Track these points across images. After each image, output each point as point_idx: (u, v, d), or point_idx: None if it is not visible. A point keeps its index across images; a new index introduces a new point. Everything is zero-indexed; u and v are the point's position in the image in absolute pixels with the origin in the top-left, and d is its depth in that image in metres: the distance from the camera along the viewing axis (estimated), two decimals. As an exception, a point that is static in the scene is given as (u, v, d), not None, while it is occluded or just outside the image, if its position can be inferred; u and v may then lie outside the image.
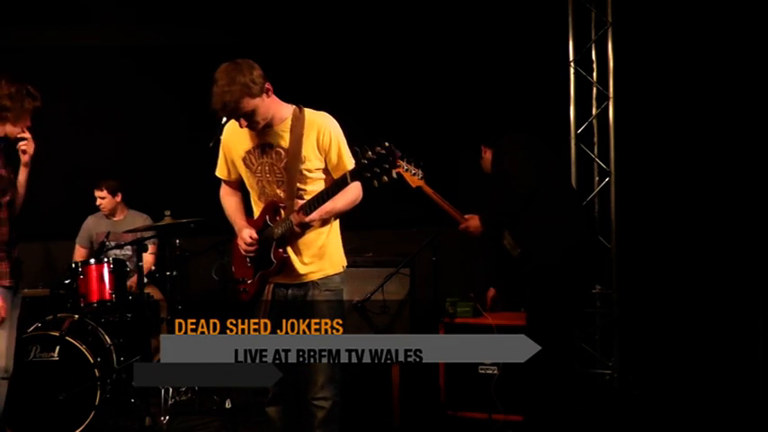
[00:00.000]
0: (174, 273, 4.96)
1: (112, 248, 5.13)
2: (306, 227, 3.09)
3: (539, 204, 4.09)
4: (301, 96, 3.26)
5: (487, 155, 4.46)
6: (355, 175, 2.87)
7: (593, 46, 5.41)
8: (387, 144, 2.77)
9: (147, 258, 5.42)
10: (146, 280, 5.16)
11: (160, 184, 5.79)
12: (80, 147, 5.81)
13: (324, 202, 3.03)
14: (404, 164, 3.88)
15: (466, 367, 4.49)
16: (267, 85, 3.04)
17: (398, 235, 5.48)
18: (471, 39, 5.94)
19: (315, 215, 3.06)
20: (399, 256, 4.73)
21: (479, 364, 4.48)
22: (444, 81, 6.03)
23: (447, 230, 4.52)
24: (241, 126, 3.06)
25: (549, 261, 4.07)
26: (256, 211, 3.29)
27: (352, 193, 3.15)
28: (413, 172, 4.08)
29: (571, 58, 5.40)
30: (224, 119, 4.26)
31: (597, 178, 5.47)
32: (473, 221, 4.33)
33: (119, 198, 5.51)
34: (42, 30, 5.77)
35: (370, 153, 2.78)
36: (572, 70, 5.40)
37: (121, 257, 5.13)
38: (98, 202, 5.46)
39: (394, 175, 2.78)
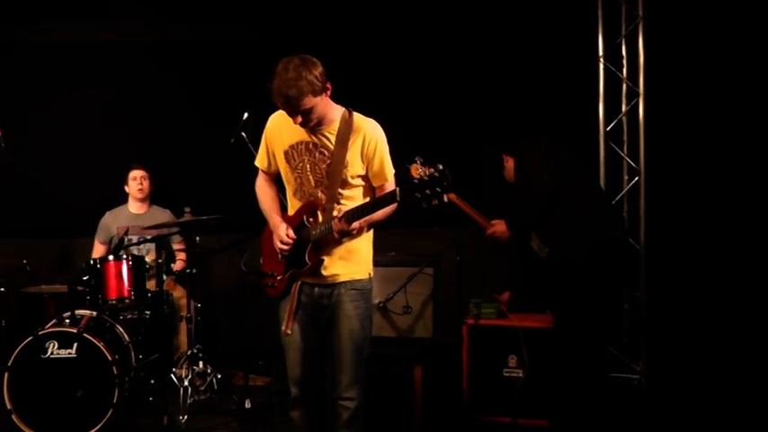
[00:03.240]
0: (194, 270, 4.96)
1: (132, 244, 5.08)
2: (346, 235, 3.12)
3: (564, 204, 4.14)
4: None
5: (510, 163, 4.51)
6: (405, 193, 2.87)
7: (624, 41, 5.33)
8: (441, 167, 2.77)
9: (181, 255, 5.47)
10: (167, 277, 5.17)
11: (180, 181, 5.77)
12: (99, 143, 5.81)
13: (368, 213, 3.06)
14: (426, 169, 3.88)
15: (490, 370, 4.47)
16: (327, 85, 3.07)
17: (421, 233, 5.37)
18: (497, 34, 5.86)
19: (356, 224, 3.08)
20: (422, 255, 4.70)
21: (504, 367, 4.45)
22: (468, 78, 5.95)
23: (471, 229, 4.52)
24: (295, 122, 3.07)
25: (577, 258, 4.11)
26: (290, 206, 3.31)
27: (390, 205, 3.14)
28: None
29: (600, 53, 5.32)
30: (245, 115, 4.42)
31: (626, 177, 5.40)
32: (499, 226, 4.39)
33: (151, 187, 5.50)
34: (61, 25, 5.77)
35: (422, 173, 2.78)
36: (601, 66, 5.32)
37: (143, 254, 5.12)
38: (137, 186, 5.42)
39: (445, 199, 2.77)
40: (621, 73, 5.35)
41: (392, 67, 5.91)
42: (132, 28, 5.87)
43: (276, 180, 3.40)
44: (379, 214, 3.13)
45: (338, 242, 3.19)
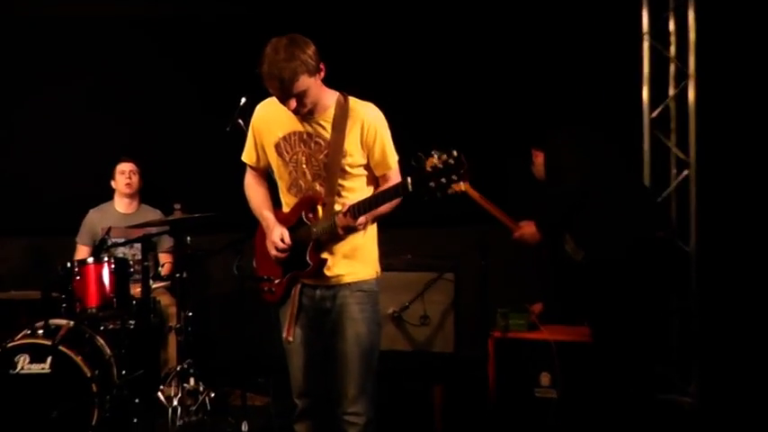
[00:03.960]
0: (185, 275, 4.88)
1: (116, 245, 5.03)
2: (352, 231, 3.15)
3: (601, 201, 4.13)
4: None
5: (539, 158, 4.53)
6: (417, 184, 2.89)
7: (672, 15, 5.23)
8: (456, 153, 2.80)
9: (165, 258, 5.43)
10: (158, 284, 5.14)
11: (170, 175, 5.72)
12: (79, 131, 5.75)
13: (376, 206, 3.08)
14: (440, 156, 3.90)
15: (519, 389, 4.43)
16: (321, 65, 3.09)
17: (441, 234, 5.38)
18: (525, 8, 5.71)
19: (363, 219, 3.10)
20: (442, 258, 4.68)
21: (535, 386, 4.39)
22: (491, 59, 5.79)
23: (498, 230, 4.44)
24: (289, 108, 3.10)
25: (615, 261, 4.08)
26: (285, 203, 3.35)
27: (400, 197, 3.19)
28: None
29: (645, 29, 5.22)
30: (242, 99, 4.43)
31: (675, 171, 5.29)
32: (528, 228, 4.38)
33: (140, 183, 5.46)
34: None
35: (436, 161, 2.81)
36: (646, 44, 5.20)
37: (128, 257, 5.08)
38: (125, 181, 5.41)
39: (462, 187, 2.82)
40: (669, 52, 5.23)
41: (402, 48, 5.77)
42: (117, 2, 5.79)
43: (267, 176, 3.42)
44: (386, 207, 3.14)
45: (341, 239, 3.21)
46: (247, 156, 3.40)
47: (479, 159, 4.26)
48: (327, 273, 3.24)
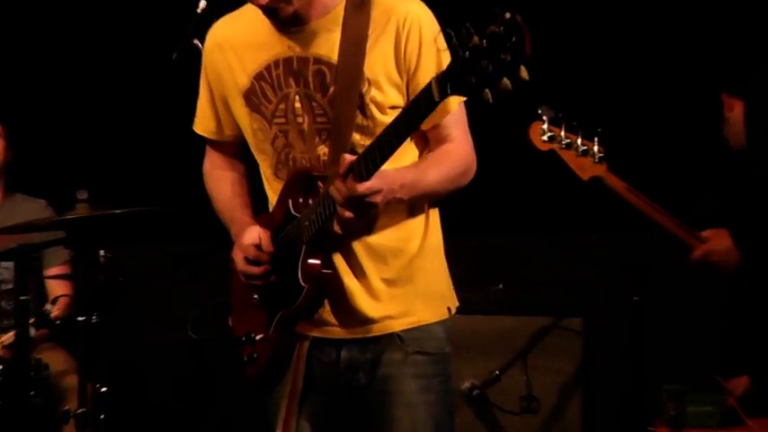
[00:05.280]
0: (95, 317, 4.50)
1: None
2: (362, 207, 2.82)
3: None
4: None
5: (736, 111, 4.49)
6: (449, 80, 2.55)
7: None
8: (507, 16, 2.47)
9: (58, 287, 5.31)
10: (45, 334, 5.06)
11: (64, 143, 5.83)
12: None
13: (392, 148, 2.75)
14: (561, 133, 3.97)
15: None
16: None
17: (557, 247, 5.26)
18: None
19: (377, 183, 2.78)
20: (561, 291, 4.80)
21: None
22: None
23: (663, 243, 4.35)
24: (258, 3, 2.91)
25: None
26: (271, 196, 3.21)
27: (454, 161, 3.03)
28: (581, 149, 4.00)
29: None
30: (201, 4, 4.11)
31: None
32: (719, 241, 4.32)
33: (7, 155, 5.44)
34: None
35: (476, 38, 2.51)
36: None
37: None
38: None
39: (524, 74, 2.49)
40: None
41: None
42: None
43: (242, 154, 3.34)
44: (434, 176, 2.95)
45: (361, 231, 3.00)
46: (201, 122, 3.24)
47: (627, 127, 4.08)
48: (364, 311, 2.99)
